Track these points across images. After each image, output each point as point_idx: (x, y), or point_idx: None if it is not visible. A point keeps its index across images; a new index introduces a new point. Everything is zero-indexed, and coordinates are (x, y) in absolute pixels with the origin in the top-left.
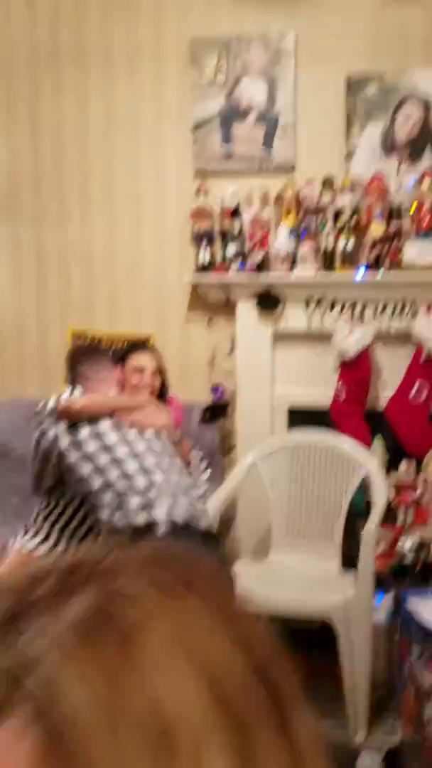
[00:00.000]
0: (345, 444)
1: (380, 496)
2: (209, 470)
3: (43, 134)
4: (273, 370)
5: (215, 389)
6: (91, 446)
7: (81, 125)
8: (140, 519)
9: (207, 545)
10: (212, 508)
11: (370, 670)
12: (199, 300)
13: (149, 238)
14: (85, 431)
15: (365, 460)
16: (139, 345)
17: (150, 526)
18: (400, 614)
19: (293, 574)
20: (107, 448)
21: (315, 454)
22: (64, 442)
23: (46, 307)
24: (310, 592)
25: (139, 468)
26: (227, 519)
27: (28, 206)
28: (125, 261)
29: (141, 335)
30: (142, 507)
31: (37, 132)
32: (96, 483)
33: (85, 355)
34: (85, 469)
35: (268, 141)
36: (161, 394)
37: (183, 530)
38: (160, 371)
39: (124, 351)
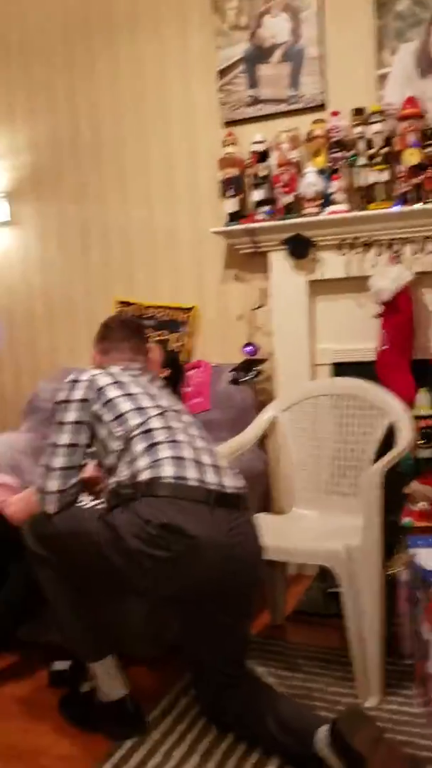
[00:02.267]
0: (370, 391)
1: (403, 441)
2: None
3: (80, 108)
4: (313, 324)
5: (246, 346)
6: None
7: (114, 94)
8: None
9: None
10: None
11: (379, 626)
12: (236, 258)
13: (184, 197)
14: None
15: (391, 406)
16: None
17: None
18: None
19: (307, 527)
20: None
21: (339, 405)
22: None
23: (91, 279)
24: (313, 542)
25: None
26: (259, 475)
27: (70, 181)
28: (161, 222)
29: (182, 304)
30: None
31: (74, 107)
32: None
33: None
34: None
35: (294, 79)
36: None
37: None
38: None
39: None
